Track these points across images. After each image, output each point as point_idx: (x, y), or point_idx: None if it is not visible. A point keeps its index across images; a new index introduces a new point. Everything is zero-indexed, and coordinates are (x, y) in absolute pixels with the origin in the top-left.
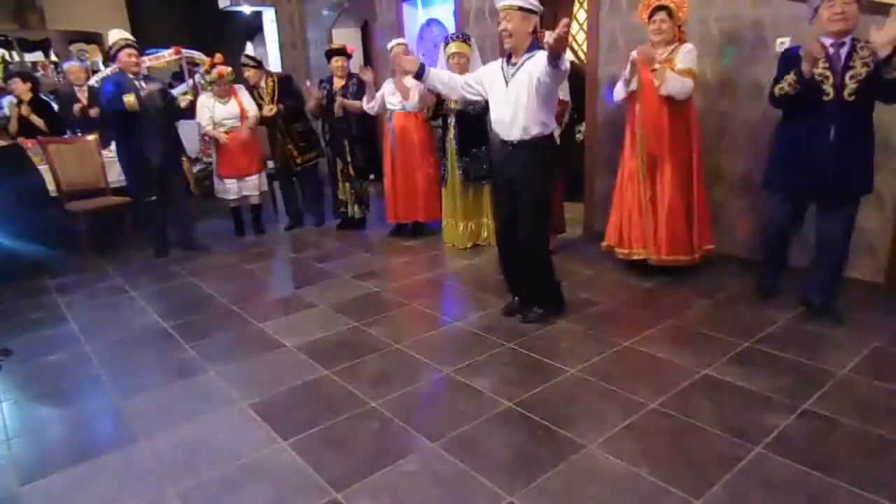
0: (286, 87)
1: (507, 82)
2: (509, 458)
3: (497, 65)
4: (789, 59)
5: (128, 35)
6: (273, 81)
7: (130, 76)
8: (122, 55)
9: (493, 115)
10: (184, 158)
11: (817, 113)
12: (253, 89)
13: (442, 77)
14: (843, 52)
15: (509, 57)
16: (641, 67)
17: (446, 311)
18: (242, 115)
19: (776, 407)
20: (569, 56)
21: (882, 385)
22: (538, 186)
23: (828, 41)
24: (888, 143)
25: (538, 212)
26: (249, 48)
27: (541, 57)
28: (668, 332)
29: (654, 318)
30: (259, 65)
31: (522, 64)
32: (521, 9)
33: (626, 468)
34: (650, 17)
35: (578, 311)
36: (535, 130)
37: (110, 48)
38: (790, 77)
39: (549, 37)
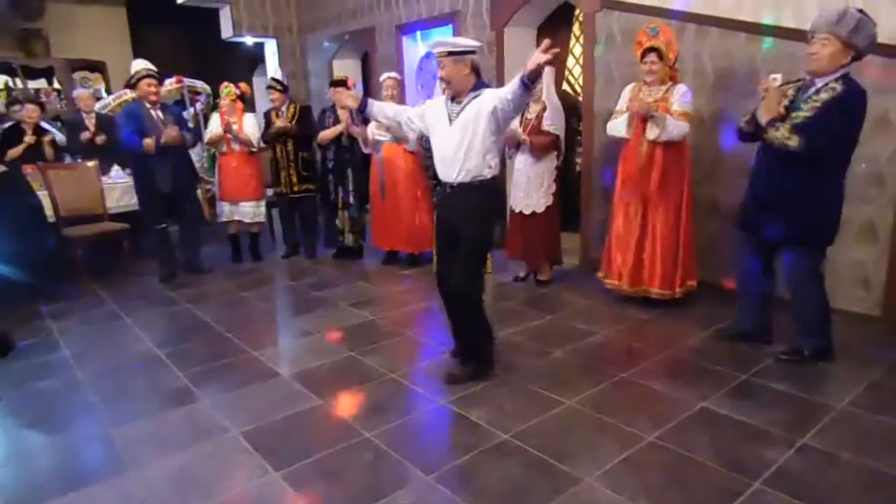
0: (304, 116)
1: (451, 121)
2: (505, 492)
3: (441, 101)
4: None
5: (150, 65)
6: (295, 107)
7: (147, 105)
8: (142, 84)
9: (435, 154)
10: (198, 185)
11: (762, 150)
12: (274, 111)
13: (385, 110)
14: (807, 95)
15: (453, 97)
16: (637, 119)
17: (441, 341)
18: (237, 137)
19: (774, 441)
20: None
21: (880, 419)
22: (476, 232)
23: (807, 77)
24: (880, 177)
25: (473, 259)
26: (278, 72)
27: (490, 94)
28: (665, 364)
29: (650, 350)
30: (285, 89)
31: (468, 103)
32: (450, 53)
33: (624, 502)
34: (642, 58)
35: (575, 342)
36: (477, 172)
37: (132, 77)
38: (747, 115)
39: (532, 61)
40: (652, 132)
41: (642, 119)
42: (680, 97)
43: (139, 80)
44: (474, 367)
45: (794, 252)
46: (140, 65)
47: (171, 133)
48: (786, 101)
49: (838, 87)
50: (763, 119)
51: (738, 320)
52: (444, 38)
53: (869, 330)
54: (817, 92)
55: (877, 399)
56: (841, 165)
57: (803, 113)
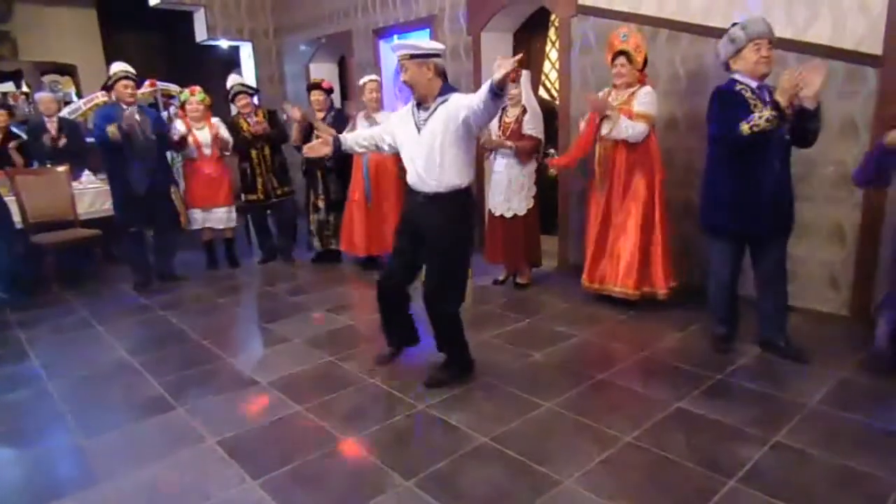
0: (274, 120)
1: (419, 129)
2: (486, 495)
3: (407, 109)
4: (732, 96)
5: (127, 67)
6: (264, 112)
7: (124, 107)
8: (118, 86)
9: (405, 163)
10: (174, 190)
11: (765, 151)
12: (241, 117)
13: (360, 140)
14: (766, 93)
15: (419, 103)
16: (590, 114)
17: (421, 345)
18: (214, 143)
19: (749, 439)
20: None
21: (849, 416)
22: (451, 243)
23: (753, 83)
24: (847, 180)
25: (449, 269)
26: (249, 78)
27: (457, 99)
28: (642, 364)
29: (628, 351)
30: (256, 93)
31: (436, 109)
32: (412, 57)
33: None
34: (612, 61)
35: (554, 344)
36: (450, 181)
37: (108, 78)
38: (767, 113)
39: (498, 69)
40: (605, 128)
41: (599, 118)
42: (642, 98)
43: (116, 81)
44: (455, 370)
45: (781, 246)
46: (117, 67)
47: (129, 117)
48: (760, 105)
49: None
50: (813, 104)
51: (729, 323)
52: (405, 40)
53: (838, 329)
54: (770, 91)
55: (846, 397)
56: None
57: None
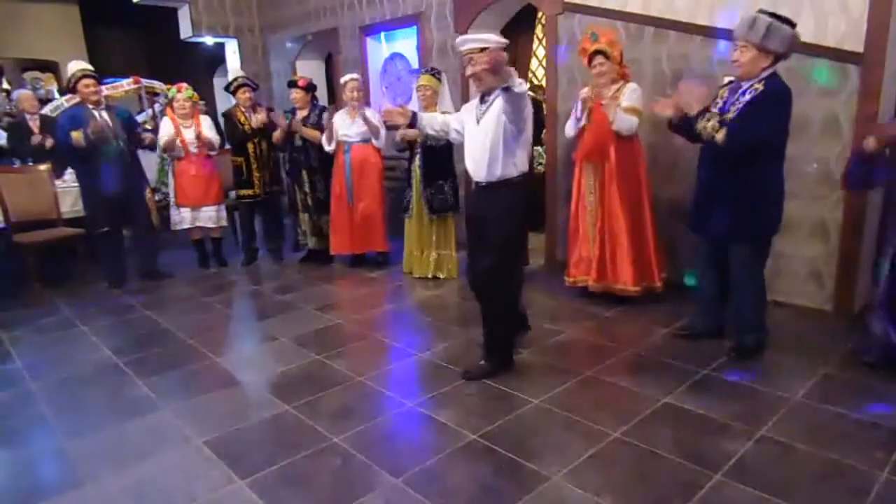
0: (271, 116)
1: (477, 121)
2: (474, 492)
3: (474, 102)
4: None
5: (85, 65)
6: (262, 109)
7: (90, 107)
8: (80, 86)
9: (466, 154)
10: (147, 190)
11: (701, 156)
12: (238, 109)
13: (433, 123)
14: (735, 97)
15: (483, 96)
16: (595, 102)
17: (409, 343)
18: (200, 142)
19: (734, 433)
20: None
21: (833, 409)
22: (501, 230)
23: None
24: (829, 177)
25: (502, 257)
26: (239, 72)
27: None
28: (629, 360)
29: (615, 348)
30: (257, 87)
31: (493, 102)
32: (483, 50)
33: (591, 499)
34: (590, 62)
35: (541, 341)
36: (502, 171)
37: (69, 79)
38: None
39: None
40: (609, 111)
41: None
42: (630, 93)
43: (76, 81)
44: (493, 363)
45: (737, 248)
46: (75, 66)
47: (96, 125)
48: (720, 101)
49: (760, 87)
50: (693, 110)
51: (691, 320)
52: (474, 34)
53: (821, 324)
54: (743, 93)
55: (829, 391)
56: (775, 160)
57: (730, 114)
